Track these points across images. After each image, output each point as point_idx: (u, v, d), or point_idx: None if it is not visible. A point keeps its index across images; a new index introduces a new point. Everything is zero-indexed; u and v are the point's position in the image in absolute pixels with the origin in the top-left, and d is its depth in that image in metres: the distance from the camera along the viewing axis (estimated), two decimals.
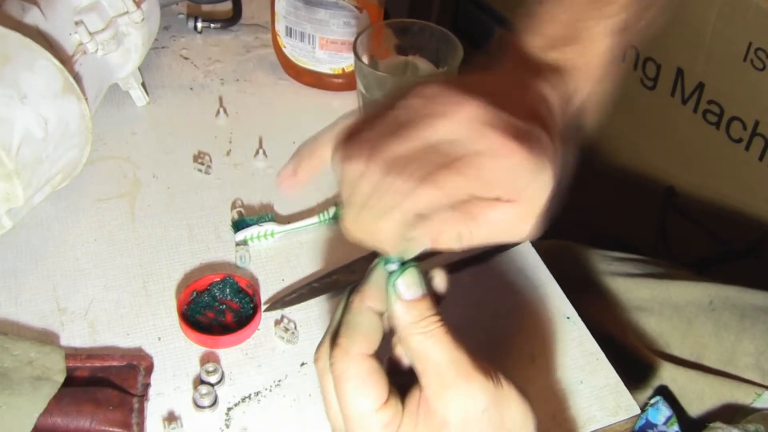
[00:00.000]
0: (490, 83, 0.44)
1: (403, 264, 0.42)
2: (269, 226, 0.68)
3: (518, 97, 0.43)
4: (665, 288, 0.76)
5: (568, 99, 0.47)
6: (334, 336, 0.42)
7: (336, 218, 0.70)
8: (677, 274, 0.79)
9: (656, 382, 0.73)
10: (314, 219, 0.69)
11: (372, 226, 0.40)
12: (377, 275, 0.43)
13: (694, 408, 0.70)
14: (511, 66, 0.49)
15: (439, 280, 0.45)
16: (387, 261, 0.42)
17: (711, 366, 0.71)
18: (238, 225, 0.68)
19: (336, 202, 0.71)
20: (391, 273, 0.42)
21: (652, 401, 0.66)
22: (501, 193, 0.40)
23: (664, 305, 0.75)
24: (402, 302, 0.41)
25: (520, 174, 0.40)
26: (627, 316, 0.76)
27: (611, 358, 0.62)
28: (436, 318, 0.41)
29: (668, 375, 0.72)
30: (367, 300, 0.42)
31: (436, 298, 0.43)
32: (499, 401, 0.40)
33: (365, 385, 0.40)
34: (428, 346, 0.40)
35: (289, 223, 0.69)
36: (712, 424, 0.62)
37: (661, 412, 0.66)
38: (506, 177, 0.39)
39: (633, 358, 0.74)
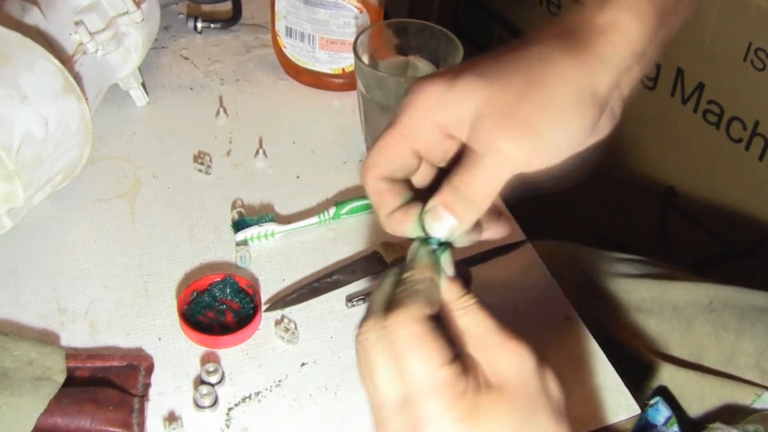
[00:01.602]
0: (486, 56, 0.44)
1: (441, 244, 0.44)
2: (269, 226, 0.68)
3: (492, 58, 0.43)
4: (665, 289, 0.76)
5: (591, 37, 0.43)
6: (385, 307, 0.41)
7: (336, 218, 0.70)
8: (677, 275, 0.79)
9: (656, 383, 0.73)
10: (314, 219, 0.69)
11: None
12: (422, 254, 0.43)
13: (694, 408, 0.71)
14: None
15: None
16: (426, 242, 0.44)
17: (710, 366, 0.71)
18: (239, 225, 0.68)
19: (336, 202, 0.71)
20: (434, 251, 0.43)
21: (652, 402, 0.66)
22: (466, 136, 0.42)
23: (663, 306, 0.75)
24: (447, 279, 0.43)
25: (449, 103, 0.42)
26: (627, 316, 0.76)
27: (611, 358, 0.62)
28: (471, 295, 0.43)
29: (668, 376, 0.72)
30: (426, 271, 0.42)
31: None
32: (541, 369, 0.41)
33: (432, 342, 0.39)
34: (469, 320, 0.42)
35: (289, 223, 0.69)
36: (711, 425, 0.62)
37: (661, 413, 0.66)
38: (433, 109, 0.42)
39: (633, 359, 0.74)
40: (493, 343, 0.41)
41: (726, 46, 0.93)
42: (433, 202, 0.42)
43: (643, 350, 0.74)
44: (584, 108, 0.41)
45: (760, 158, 0.95)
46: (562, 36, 0.43)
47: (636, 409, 0.58)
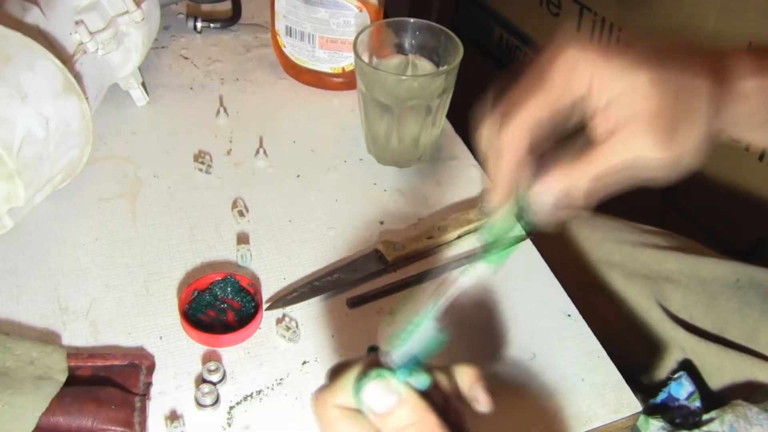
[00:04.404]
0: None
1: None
2: None
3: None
4: (693, 262, 0.76)
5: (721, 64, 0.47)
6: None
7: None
8: (705, 251, 0.80)
9: (678, 354, 0.73)
10: None
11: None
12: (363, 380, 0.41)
13: (714, 381, 0.71)
14: None
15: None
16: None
17: (733, 340, 0.72)
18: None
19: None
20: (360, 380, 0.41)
21: (676, 376, 0.66)
22: (608, 119, 0.42)
23: (690, 278, 0.75)
24: (376, 416, 0.40)
25: (599, 78, 0.42)
26: (653, 286, 0.76)
27: (635, 330, 0.62)
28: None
29: (690, 347, 0.72)
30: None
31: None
32: None
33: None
34: None
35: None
36: (734, 401, 0.62)
37: (684, 388, 0.66)
38: (581, 80, 0.43)
39: (656, 329, 0.74)
40: None
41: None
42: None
43: (667, 321, 0.74)
44: (709, 142, 0.46)
45: (760, 158, 0.95)
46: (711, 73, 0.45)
47: (638, 406, 0.58)
